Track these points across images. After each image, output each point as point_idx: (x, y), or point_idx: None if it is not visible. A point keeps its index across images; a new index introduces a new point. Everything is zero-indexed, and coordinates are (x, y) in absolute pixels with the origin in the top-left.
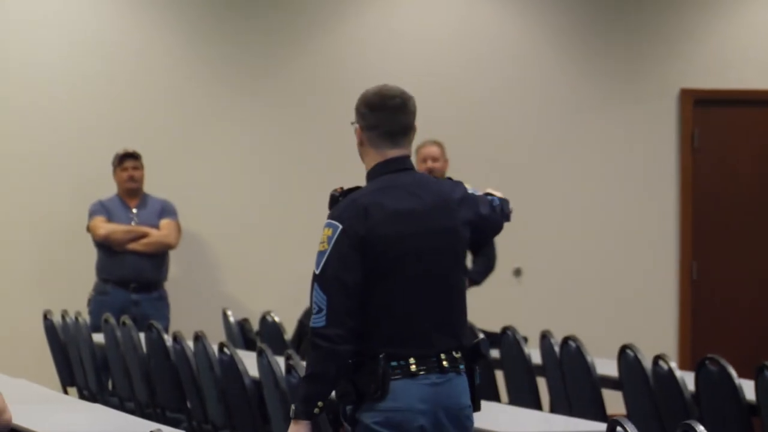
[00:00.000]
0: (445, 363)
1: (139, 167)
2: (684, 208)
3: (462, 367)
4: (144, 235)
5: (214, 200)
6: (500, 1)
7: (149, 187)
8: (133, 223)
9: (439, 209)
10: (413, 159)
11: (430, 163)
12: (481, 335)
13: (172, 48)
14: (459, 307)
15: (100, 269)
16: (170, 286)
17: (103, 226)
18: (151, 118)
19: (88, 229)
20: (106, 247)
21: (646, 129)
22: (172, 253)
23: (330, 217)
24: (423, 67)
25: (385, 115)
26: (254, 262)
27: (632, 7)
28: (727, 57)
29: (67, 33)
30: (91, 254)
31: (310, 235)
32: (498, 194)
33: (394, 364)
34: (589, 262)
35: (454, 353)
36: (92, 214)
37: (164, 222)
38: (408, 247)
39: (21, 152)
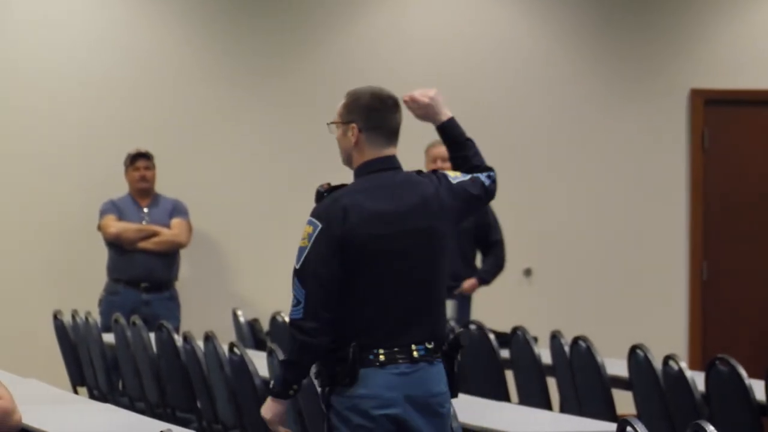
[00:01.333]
0: (415, 354)
1: (151, 167)
2: (694, 209)
3: (438, 356)
4: (155, 234)
5: (223, 200)
6: (510, 0)
7: (159, 187)
8: (144, 223)
9: (417, 211)
10: (422, 159)
11: (440, 163)
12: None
13: (182, 47)
14: (435, 301)
15: (111, 269)
16: (180, 286)
17: (115, 225)
18: (161, 117)
19: (99, 228)
20: (117, 247)
21: (656, 129)
22: (182, 253)
23: (312, 214)
24: (433, 67)
25: (385, 115)
26: (264, 262)
27: (642, 7)
28: (737, 57)
29: (76, 33)
30: (102, 254)
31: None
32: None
33: (365, 353)
34: (599, 262)
35: (426, 344)
36: (103, 212)
37: (175, 221)
38: (382, 247)
39: (30, 152)
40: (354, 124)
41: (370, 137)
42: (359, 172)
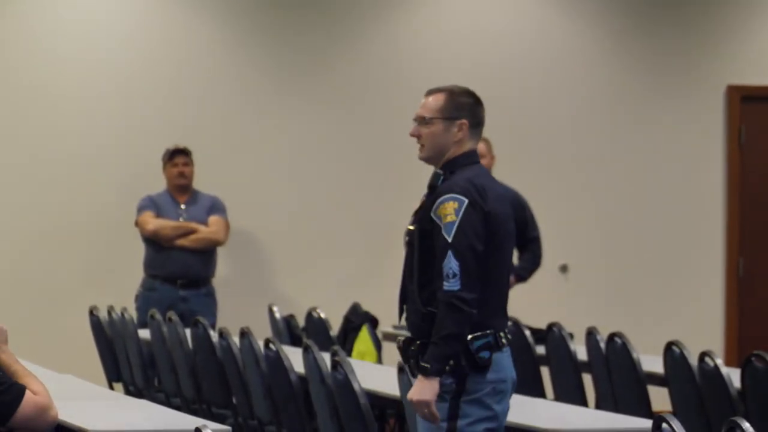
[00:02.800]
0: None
1: (189, 163)
2: (731, 205)
3: None
4: (193, 231)
5: (260, 197)
6: None
7: (197, 184)
8: (181, 219)
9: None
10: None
11: None
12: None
13: (219, 45)
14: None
15: (148, 265)
16: (217, 282)
17: (152, 222)
18: (198, 115)
19: (137, 224)
20: (154, 243)
21: (692, 125)
22: (219, 250)
23: (453, 191)
24: (471, 64)
25: (483, 112)
26: (301, 259)
27: (679, 3)
28: None
29: (115, 32)
30: (139, 250)
31: (357, 231)
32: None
33: (499, 336)
34: (635, 259)
35: None
36: (141, 209)
37: (213, 219)
38: (509, 227)
39: (68, 149)
40: (465, 120)
41: (474, 133)
42: (462, 162)
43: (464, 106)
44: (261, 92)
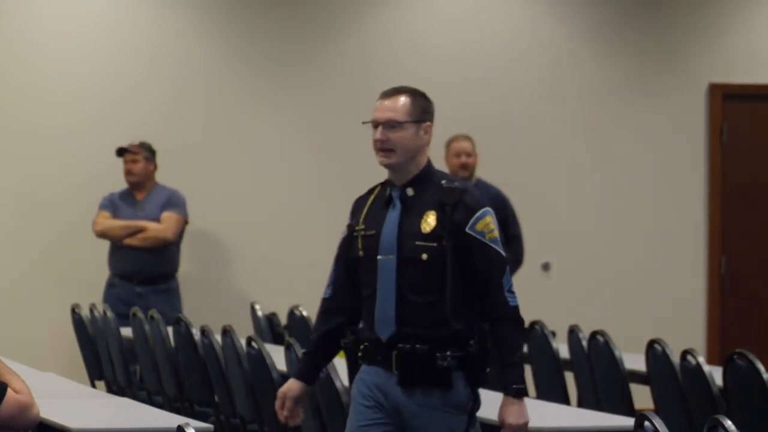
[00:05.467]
0: None
1: (139, 160)
2: (712, 203)
3: None
4: (141, 230)
5: (244, 193)
6: None
7: (179, 180)
8: (140, 215)
9: None
10: (442, 153)
11: (464, 158)
12: None
13: (205, 41)
14: None
15: (109, 262)
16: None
17: (101, 223)
18: (178, 112)
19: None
20: (111, 242)
21: (675, 124)
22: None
23: (483, 205)
24: (453, 61)
25: None
26: (283, 256)
27: (661, 1)
28: (756, 52)
29: (91, 30)
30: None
31: (339, 229)
32: None
33: None
34: (617, 257)
35: None
36: (100, 208)
37: (165, 215)
38: None
39: (44, 143)
40: (430, 123)
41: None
42: (434, 170)
43: (428, 108)
44: (242, 89)
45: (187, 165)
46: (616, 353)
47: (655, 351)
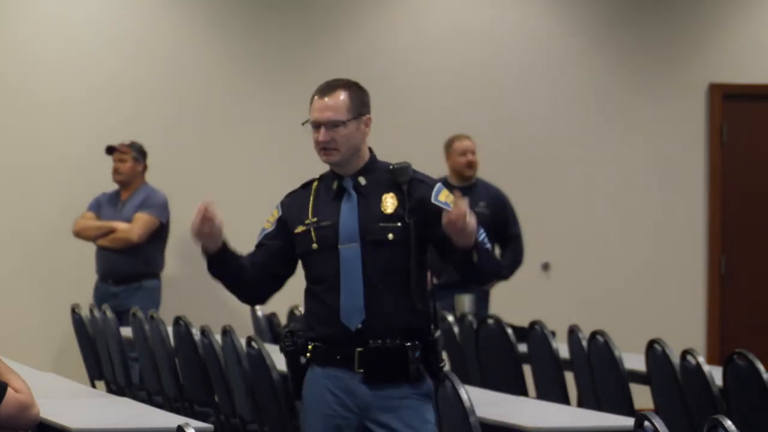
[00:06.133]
0: None
1: (127, 160)
2: (712, 203)
3: None
4: (112, 231)
5: (244, 193)
6: None
7: (175, 184)
8: (118, 216)
9: None
10: (443, 152)
11: (470, 156)
12: None
13: (200, 43)
14: None
15: (95, 262)
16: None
17: (78, 223)
18: (177, 113)
19: None
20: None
21: (674, 123)
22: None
23: (433, 180)
24: (453, 61)
25: None
26: None
27: (661, 1)
28: (756, 52)
29: (93, 30)
30: None
31: None
32: None
33: None
34: (617, 257)
35: None
36: (87, 209)
37: (136, 216)
38: None
39: (51, 147)
40: (369, 116)
41: None
42: (375, 161)
43: (366, 100)
44: (242, 89)
45: (187, 165)
46: (616, 353)
47: (655, 351)
